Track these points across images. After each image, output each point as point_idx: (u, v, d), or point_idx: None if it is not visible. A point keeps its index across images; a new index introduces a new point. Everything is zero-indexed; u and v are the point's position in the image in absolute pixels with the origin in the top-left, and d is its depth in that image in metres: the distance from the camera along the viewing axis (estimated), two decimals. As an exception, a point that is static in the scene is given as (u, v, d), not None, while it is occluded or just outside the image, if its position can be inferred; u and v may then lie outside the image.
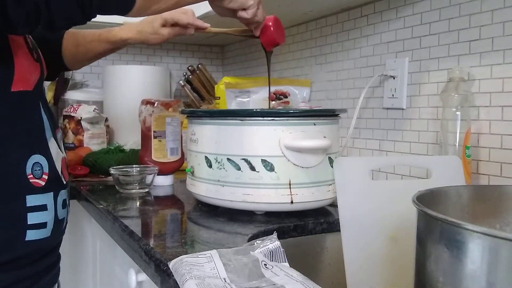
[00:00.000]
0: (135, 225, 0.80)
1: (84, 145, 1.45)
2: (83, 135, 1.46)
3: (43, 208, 0.67)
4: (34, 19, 0.55)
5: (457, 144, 0.88)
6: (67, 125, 1.47)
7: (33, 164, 0.66)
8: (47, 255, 0.72)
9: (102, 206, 0.94)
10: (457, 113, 0.89)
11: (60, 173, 0.72)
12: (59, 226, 0.72)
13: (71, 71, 1.68)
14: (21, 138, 0.66)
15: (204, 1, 0.78)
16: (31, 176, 0.66)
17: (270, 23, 0.91)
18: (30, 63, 0.68)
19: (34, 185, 0.66)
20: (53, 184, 0.70)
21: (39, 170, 0.67)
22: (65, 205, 0.74)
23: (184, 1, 0.71)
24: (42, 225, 0.67)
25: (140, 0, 0.60)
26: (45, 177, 0.68)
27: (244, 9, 0.83)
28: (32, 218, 0.66)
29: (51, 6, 0.54)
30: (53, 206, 0.69)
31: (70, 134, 1.45)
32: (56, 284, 0.77)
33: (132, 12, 0.61)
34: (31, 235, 0.66)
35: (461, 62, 0.95)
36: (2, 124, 0.64)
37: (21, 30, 0.57)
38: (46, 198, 0.68)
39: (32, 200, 0.66)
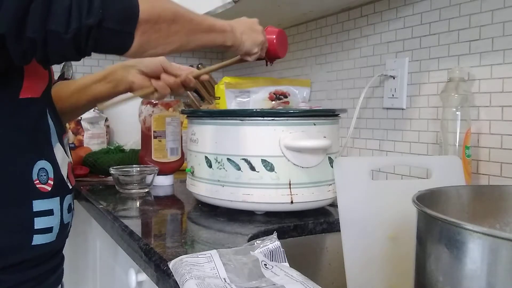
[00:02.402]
0: (135, 225, 0.80)
1: (84, 145, 1.45)
2: (83, 135, 1.46)
3: (49, 213, 0.68)
4: (30, 55, 0.56)
5: (457, 144, 0.88)
6: (67, 125, 1.47)
7: (39, 169, 0.67)
8: (52, 257, 0.72)
9: (102, 206, 0.94)
10: (457, 113, 0.89)
11: (66, 178, 0.73)
12: (64, 230, 0.72)
13: (71, 71, 1.68)
14: (28, 144, 0.66)
15: None
16: (37, 181, 0.66)
17: (274, 38, 0.87)
18: (39, 70, 0.69)
19: (41, 190, 0.67)
20: (59, 189, 0.70)
21: (45, 175, 0.68)
22: (70, 209, 0.74)
23: (183, 48, 0.70)
24: (48, 230, 0.68)
25: (137, 43, 0.60)
26: (51, 182, 0.68)
27: (248, 55, 0.84)
28: (39, 223, 0.66)
29: (47, 45, 0.55)
30: (59, 210, 0.70)
31: (70, 134, 1.46)
32: (60, 285, 0.77)
33: (129, 54, 0.62)
34: (37, 239, 0.66)
35: (461, 62, 0.95)
36: (9, 131, 0.64)
37: (18, 63, 0.58)
38: (52, 203, 0.68)
39: (38, 205, 0.66)
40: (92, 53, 0.60)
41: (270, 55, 0.89)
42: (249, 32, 0.82)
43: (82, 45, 0.57)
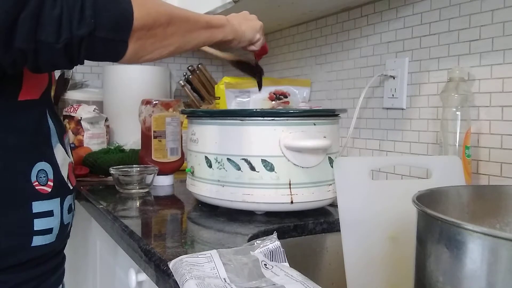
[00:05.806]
0: (135, 225, 0.80)
1: (84, 145, 1.45)
2: (83, 135, 1.46)
3: (49, 214, 0.67)
4: (21, 64, 0.55)
5: (457, 144, 0.88)
6: (67, 125, 1.47)
7: (38, 171, 0.66)
8: (53, 257, 0.72)
9: (102, 206, 0.94)
10: (457, 113, 0.89)
11: (66, 178, 0.72)
12: (64, 230, 0.72)
13: (71, 71, 1.68)
14: (27, 146, 0.66)
15: None
16: (37, 183, 0.66)
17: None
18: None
19: (40, 192, 0.66)
20: (60, 190, 0.70)
21: (44, 177, 0.67)
22: (70, 210, 0.74)
23: (182, 49, 0.69)
24: (48, 231, 0.67)
25: (132, 50, 0.59)
26: (51, 183, 0.68)
27: (252, 43, 0.86)
28: (38, 224, 0.66)
29: (38, 55, 0.54)
30: (59, 211, 0.69)
31: (70, 134, 1.46)
32: (61, 285, 0.77)
33: (123, 60, 0.61)
34: (37, 240, 0.66)
35: (461, 62, 0.95)
36: (8, 133, 0.64)
37: (8, 71, 0.57)
38: (52, 204, 0.68)
39: (38, 206, 0.66)
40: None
41: (260, 51, 0.92)
42: (245, 21, 0.82)
43: (74, 55, 0.55)
